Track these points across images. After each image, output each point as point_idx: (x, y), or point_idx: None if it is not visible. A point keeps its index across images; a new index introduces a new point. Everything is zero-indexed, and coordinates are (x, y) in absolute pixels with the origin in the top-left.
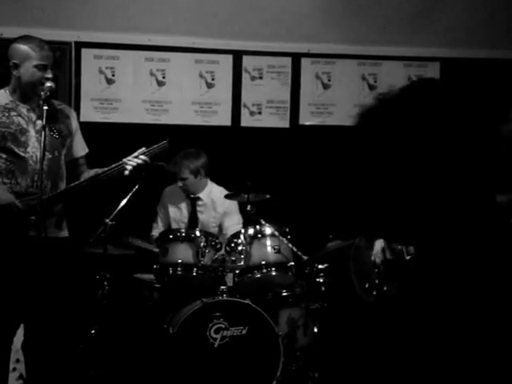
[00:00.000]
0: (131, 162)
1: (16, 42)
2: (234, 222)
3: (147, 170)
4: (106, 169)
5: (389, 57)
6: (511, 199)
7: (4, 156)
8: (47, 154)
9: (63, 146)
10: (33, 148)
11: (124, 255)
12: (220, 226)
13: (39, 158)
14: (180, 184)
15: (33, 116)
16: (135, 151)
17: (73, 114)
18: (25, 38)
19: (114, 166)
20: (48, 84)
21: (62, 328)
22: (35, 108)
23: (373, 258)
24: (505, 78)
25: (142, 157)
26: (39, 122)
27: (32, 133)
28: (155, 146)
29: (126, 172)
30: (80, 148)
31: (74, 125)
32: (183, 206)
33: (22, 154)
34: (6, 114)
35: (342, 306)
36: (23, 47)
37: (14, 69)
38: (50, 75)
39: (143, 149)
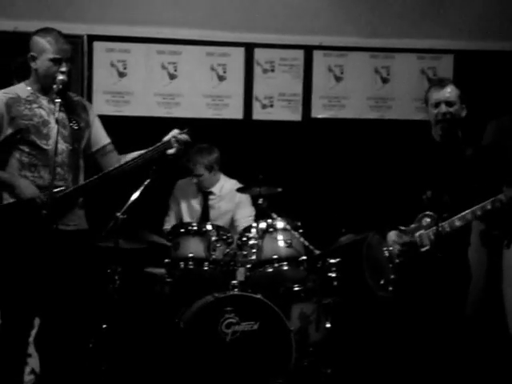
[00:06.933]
0: (177, 137)
1: (36, 34)
2: (245, 215)
3: (159, 163)
4: (150, 148)
5: (402, 49)
6: None
7: (27, 150)
8: (68, 145)
9: (82, 137)
10: (54, 140)
11: (135, 249)
12: (232, 219)
13: (58, 151)
14: (195, 180)
15: (53, 107)
16: (147, 144)
17: (89, 105)
18: (44, 31)
19: (159, 144)
20: (60, 77)
21: (75, 322)
22: (55, 99)
23: (386, 252)
24: None
25: (185, 135)
26: (60, 114)
27: (53, 124)
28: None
29: (171, 151)
30: (103, 136)
31: (92, 116)
32: (195, 200)
33: (45, 147)
34: (28, 107)
35: (354, 301)
36: (41, 40)
37: (32, 61)
38: (64, 69)
39: (177, 129)
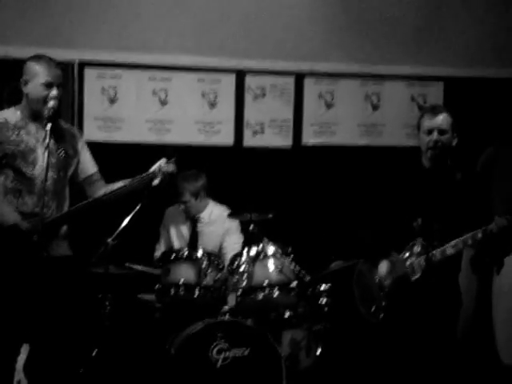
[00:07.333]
0: (163, 168)
1: (29, 59)
2: (232, 242)
3: (145, 193)
4: (136, 178)
5: (392, 76)
6: None
7: (12, 175)
8: (53, 173)
9: (69, 165)
10: (40, 167)
11: (126, 275)
12: (220, 245)
13: (44, 178)
14: (182, 207)
15: (42, 135)
16: (138, 171)
17: (78, 134)
18: (37, 57)
19: (144, 175)
20: (51, 103)
21: (64, 349)
22: (44, 126)
23: (377, 279)
24: (510, 97)
25: (171, 166)
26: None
27: (40, 151)
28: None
29: (156, 181)
30: (91, 165)
31: (80, 144)
32: (184, 226)
33: (29, 174)
34: (16, 133)
35: (345, 328)
36: (33, 65)
37: (24, 85)
38: (54, 93)
39: (163, 159)
